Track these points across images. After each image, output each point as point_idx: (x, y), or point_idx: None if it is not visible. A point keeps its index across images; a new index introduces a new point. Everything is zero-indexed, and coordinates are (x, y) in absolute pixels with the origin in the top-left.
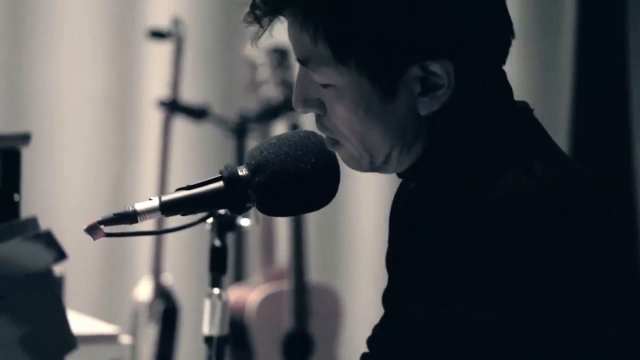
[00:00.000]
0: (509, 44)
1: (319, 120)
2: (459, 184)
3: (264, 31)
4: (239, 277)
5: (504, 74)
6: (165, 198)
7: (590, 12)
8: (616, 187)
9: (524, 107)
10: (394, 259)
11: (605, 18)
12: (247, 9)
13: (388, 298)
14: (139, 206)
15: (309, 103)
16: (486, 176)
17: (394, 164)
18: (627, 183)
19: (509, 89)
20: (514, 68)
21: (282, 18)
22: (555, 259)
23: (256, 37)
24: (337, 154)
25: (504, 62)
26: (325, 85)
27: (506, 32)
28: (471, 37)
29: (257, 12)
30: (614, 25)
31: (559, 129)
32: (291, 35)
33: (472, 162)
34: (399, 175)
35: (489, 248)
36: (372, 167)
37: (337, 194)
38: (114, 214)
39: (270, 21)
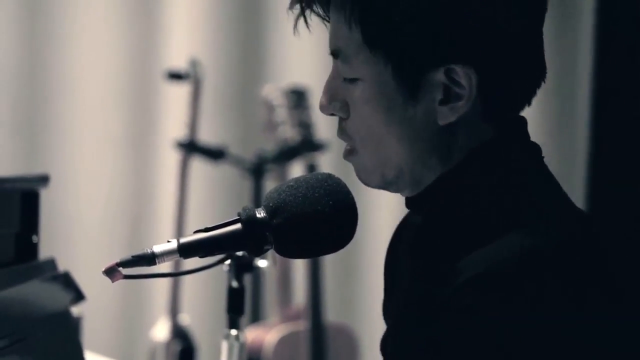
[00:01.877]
0: (537, 84)
1: (340, 125)
2: (460, 238)
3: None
4: (256, 317)
5: (522, 119)
6: (183, 240)
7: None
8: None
9: (536, 152)
10: (393, 307)
11: (623, 63)
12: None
13: (385, 346)
14: (157, 248)
15: (334, 102)
16: (489, 234)
17: (404, 181)
18: None
19: (527, 135)
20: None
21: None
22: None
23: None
24: (351, 165)
25: (529, 103)
26: (352, 81)
27: (537, 70)
28: (501, 52)
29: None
30: (632, 72)
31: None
32: (331, 22)
33: (479, 213)
34: (407, 204)
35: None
36: (384, 182)
37: (356, 233)
38: (132, 256)
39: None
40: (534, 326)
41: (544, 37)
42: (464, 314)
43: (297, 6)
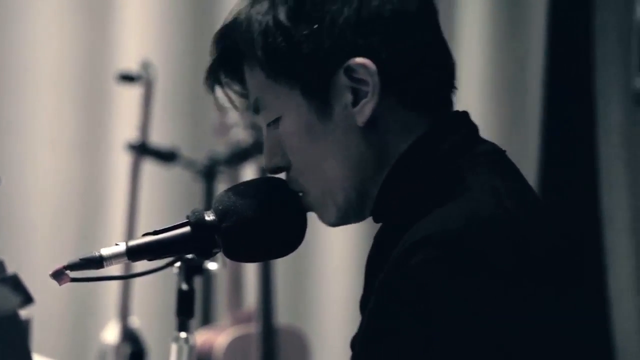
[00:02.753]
0: (446, 67)
1: (287, 176)
2: (410, 224)
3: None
4: (207, 320)
5: (464, 113)
6: (131, 243)
7: (559, 52)
8: (584, 222)
9: (491, 148)
10: (361, 305)
11: (574, 61)
12: (206, 75)
13: (354, 343)
14: (105, 251)
15: (275, 158)
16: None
17: (357, 201)
18: (594, 214)
19: (466, 127)
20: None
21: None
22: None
23: (223, 101)
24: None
25: (448, 90)
26: (275, 123)
27: (438, 51)
28: (390, 35)
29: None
30: (581, 68)
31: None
32: (246, 86)
33: (423, 200)
34: (373, 219)
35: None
36: (340, 211)
37: (305, 237)
38: (80, 259)
39: (227, 77)
40: (476, 286)
41: (497, 37)
42: (406, 275)
43: (211, 81)
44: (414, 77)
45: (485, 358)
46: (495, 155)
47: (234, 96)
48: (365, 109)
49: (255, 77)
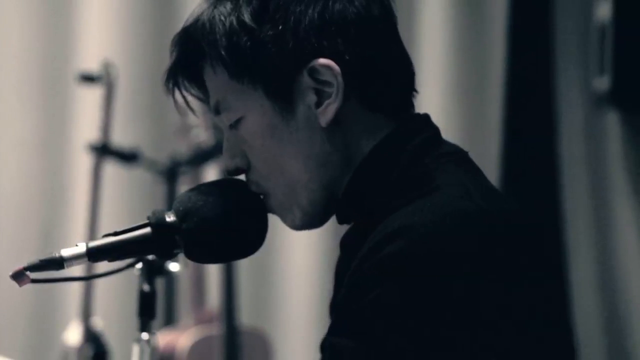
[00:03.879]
0: (406, 69)
1: (247, 178)
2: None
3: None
4: (169, 320)
5: (425, 116)
6: (92, 244)
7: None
8: (545, 222)
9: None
10: (330, 307)
11: (534, 59)
12: (165, 78)
13: (322, 345)
14: (65, 252)
15: (235, 159)
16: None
17: (321, 204)
18: (555, 219)
19: (427, 128)
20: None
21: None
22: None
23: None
24: (268, 207)
25: (408, 93)
26: (237, 124)
27: (397, 52)
28: (351, 36)
29: (174, 75)
30: (541, 70)
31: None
32: (208, 87)
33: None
34: (337, 220)
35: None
36: (305, 214)
37: (268, 238)
38: (40, 260)
39: (186, 79)
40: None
41: (457, 39)
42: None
43: (171, 82)
44: (377, 79)
45: (447, 350)
46: (458, 155)
47: (191, 99)
48: (329, 110)
49: (217, 78)
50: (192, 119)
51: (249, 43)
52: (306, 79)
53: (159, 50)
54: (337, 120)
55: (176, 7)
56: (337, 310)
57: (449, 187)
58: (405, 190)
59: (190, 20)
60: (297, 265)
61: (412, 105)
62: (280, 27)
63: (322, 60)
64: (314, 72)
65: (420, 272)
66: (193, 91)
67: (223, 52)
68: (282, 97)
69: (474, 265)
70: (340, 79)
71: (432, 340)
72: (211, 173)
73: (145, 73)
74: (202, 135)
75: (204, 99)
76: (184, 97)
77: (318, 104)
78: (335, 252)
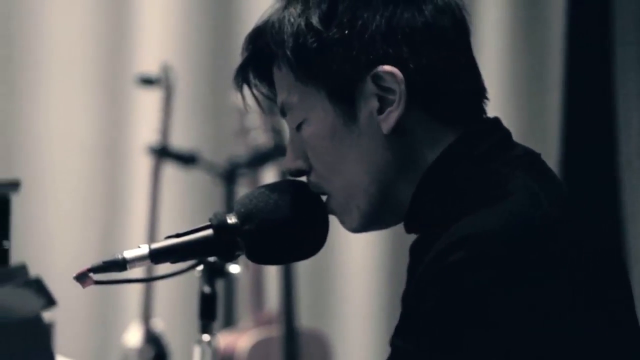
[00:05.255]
0: (473, 77)
1: (308, 179)
2: (448, 221)
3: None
4: (229, 322)
5: (495, 119)
6: (154, 246)
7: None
8: (604, 218)
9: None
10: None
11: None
12: (235, 75)
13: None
14: (128, 254)
15: (297, 161)
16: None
17: (380, 207)
18: (615, 212)
19: (495, 133)
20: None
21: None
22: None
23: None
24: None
25: (478, 100)
26: (300, 127)
27: (464, 59)
28: (417, 43)
29: (244, 73)
30: (601, 74)
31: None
32: (276, 87)
33: (455, 206)
34: (405, 229)
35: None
36: (364, 217)
37: (327, 239)
38: (103, 262)
39: (254, 79)
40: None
41: (515, 44)
42: (446, 271)
43: (240, 81)
44: (442, 89)
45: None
46: (530, 158)
47: (260, 97)
48: (390, 118)
49: (284, 79)
50: (250, 121)
51: (315, 45)
52: (369, 85)
53: (218, 52)
54: (399, 128)
55: (234, 10)
56: (402, 313)
57: (517, 194)
58: (472, 198)
59: (261, 20)
60: (355, 266)
61: (482, 112)
62: (346, 31)
63: (386, 67)
64: (377, 79)
65: (483, 282)
66: (262, 89)
67: (289, 53)
68: (345, 101)
69: (538, 275)
70: (403, 87)
71: (490, 350)
72: (269, 175)
73: (204, 75)
74: (260, 137)
75: (272, 97)
76: (253, 94)
77: (380, 111)
78: (393, 253)
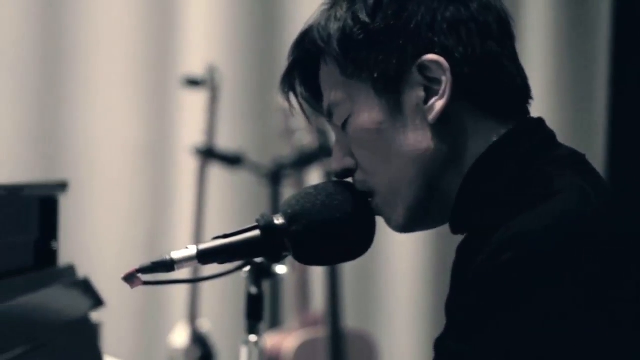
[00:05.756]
0: (523, 85)
1: (354, 178)
2: (496, 224)
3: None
4: (275, 323)
5: (539, 120)
6: (202, 247)
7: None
8: None
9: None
10: (446, 308)
11: None
12: (281, 80)
13: (437, 344)
14: (176, 255)
15: (344, 159)
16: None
17: (427, 200)
18: None
19: (540, 132)
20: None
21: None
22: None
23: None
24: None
25: (522, 98)
26: (346, 124)
27: (515, 72)
28: (466, 45)
29: (290, 79)
30: None
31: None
32: (323, 92)
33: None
34: (452, 230)
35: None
36: (408, 210)
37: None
38: (152, 263)
39: (302, 84)
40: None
41: (561, 41)
42: (500, 271)
43: (291, 94)
44: (487, 80)
45: (566, 357)
46: (575, 158)
47: (305, 105)
48: (436, 106)
49: (330, 77)
50: (295, 122)
51: (361, 36)
52: (415, 75)
53: (263, 53)
54: (445, 118)
55: (279, 11)
56: (452, 314)
57: (565, 193)
58: (520, 197)
59: (307, 24)
60: (400, 267)
61: (526, 112)
62: (392, 22)
63: (432, 56)
64: (423, 69)
65: (535, 281)
66: (306, 95)
67: (336, 45)
68: (391, 92)
69: (591, 272)
70: (449, 75)
71: (543, 348)
72: (314, 176)
73: (249, 76)
74: (305, 138)
75: (317, 106)
76: (298, 102)
77: (426, 101)
78: (438, 254)
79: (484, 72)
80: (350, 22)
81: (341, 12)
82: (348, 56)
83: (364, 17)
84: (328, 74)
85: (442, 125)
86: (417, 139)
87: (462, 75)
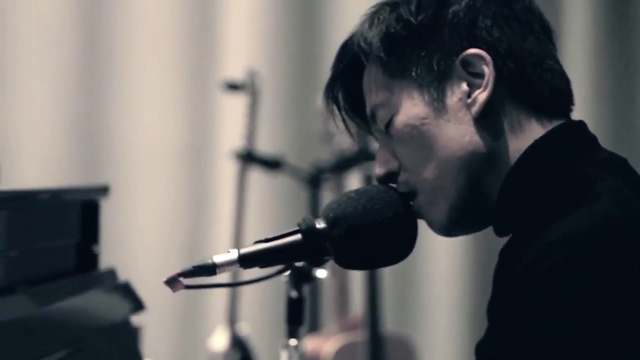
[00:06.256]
0: (566, 87)
1: (397, 179)
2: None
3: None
4: (314, 327)
5: (580, 122)
6: (244, 251)
7: None
8: None
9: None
10: (488, 311)
11: None
12: (324, 91)
13: (479, 348)
14: (218, 259)
15: (388, 162)
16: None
17: (470, 200)
18: None
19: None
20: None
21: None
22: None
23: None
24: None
25: (564, 100)
26: (389, 124)
27: (558, 74)
28: (510, 40)
29: (332, 92)
30: None
31: None
32: (366, 101)
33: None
34: (495, 232)
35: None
36: (451, 209)
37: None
38: (193, 267)
39: (345, 94)
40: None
41: (603, 44)
42: (545, 275)
43: (335, 109)
44: (529, 76)
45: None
46: (616, 161)
47: (347, 116)
48: (479, 100)
49: (373, 79)
50: (334, 125)
51: (403, 33)
52: (458, 70)
53: (303, 58)
54: (487, 112)
55: (320, 15)
56: (493, 318)
57: (606, 196)
58: (562, 199)
59: (350, 34)
60: (440, 270)
61: (569, 115)
62: (435, 19)
63: (474, 50)
64: (466, 63)
65: (580, 284)
66: (347, 108)
67: (379, 44)
68: (433, 87)
69: (636, 275)
70: (491, 68)
71: (588, 353)
72: (354, 179)
73: (289, 81)
74: (345, 142)
75: (358, 120)
76: (340, 114)
77: (469, 95)
78: (477, 258)
79: (527, 68)
80: (392, 21)
81: (384, 14)
82: (391, 54)
83: (406, 15)
84: (371, 77)
85: (485, 120)
86: (461, 133)
87: (505, 70)
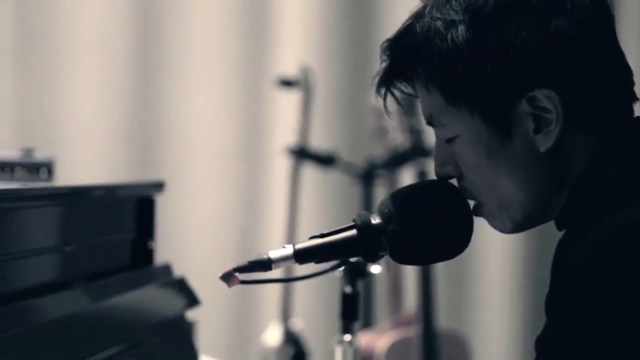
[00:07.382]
0: (625, 83)
1: (459, 185)
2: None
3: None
4: (367, 322)
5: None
6: (299, 246)
7: None
8: None
9: None
10: (546, 305)
11: None
12: (376, 79)
13: (539, 343)
14: (273, 254)
15: (446, 167)
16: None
17: (534, 216)
18: None
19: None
20: None
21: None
22: None
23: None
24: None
25: (627, 102)
26: (451, 140)
27: (618, 69)
28: (572, 65)
29: (386, 84)
30: None
31: None
32: (419, 94)
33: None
34: (557, 226)
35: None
36: (516, 224)
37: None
38: (249, 262)
39: (397, 84)
40: None
41: None
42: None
43: (383, 89)
44: (595, 103)
45: None
46: None
47: (402, 97)
48: (549, 137)
49: (431, 97)
50: (388, 122)
51: (461, 69)
52: (524, 106)
53: (357, 54)
54: (555, 145)
55: (372, 11)
56: (553, 310)
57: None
58: (622, 194)
59: (403, 28)
60: (494, 266)
61: (631, 113)
62: (496, 53)
63: (543, 91)
64: (534, 101)
65: (632, 278)
66: (406, 91)
67: (437, 78)
68: (500, 123)
69: None
70: (560, 109)
71: None
72: (407, 175)
73: (342, 77)
74: (398, 137)
75: (410, 110)
76: (394, 97)
77: (536, 130)
78: (532, 253)
79: (592, 95)
80: (450, 51)
81: (439, 30)
82: (451, 89)
83: (464, 44)
84: (429, 94)
85: (552, 152)
86: (528, 167)
87: (572, 103)
